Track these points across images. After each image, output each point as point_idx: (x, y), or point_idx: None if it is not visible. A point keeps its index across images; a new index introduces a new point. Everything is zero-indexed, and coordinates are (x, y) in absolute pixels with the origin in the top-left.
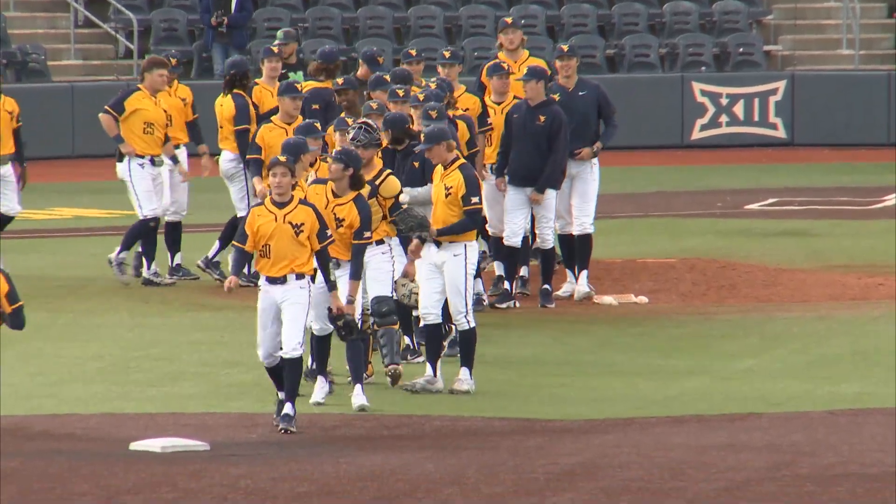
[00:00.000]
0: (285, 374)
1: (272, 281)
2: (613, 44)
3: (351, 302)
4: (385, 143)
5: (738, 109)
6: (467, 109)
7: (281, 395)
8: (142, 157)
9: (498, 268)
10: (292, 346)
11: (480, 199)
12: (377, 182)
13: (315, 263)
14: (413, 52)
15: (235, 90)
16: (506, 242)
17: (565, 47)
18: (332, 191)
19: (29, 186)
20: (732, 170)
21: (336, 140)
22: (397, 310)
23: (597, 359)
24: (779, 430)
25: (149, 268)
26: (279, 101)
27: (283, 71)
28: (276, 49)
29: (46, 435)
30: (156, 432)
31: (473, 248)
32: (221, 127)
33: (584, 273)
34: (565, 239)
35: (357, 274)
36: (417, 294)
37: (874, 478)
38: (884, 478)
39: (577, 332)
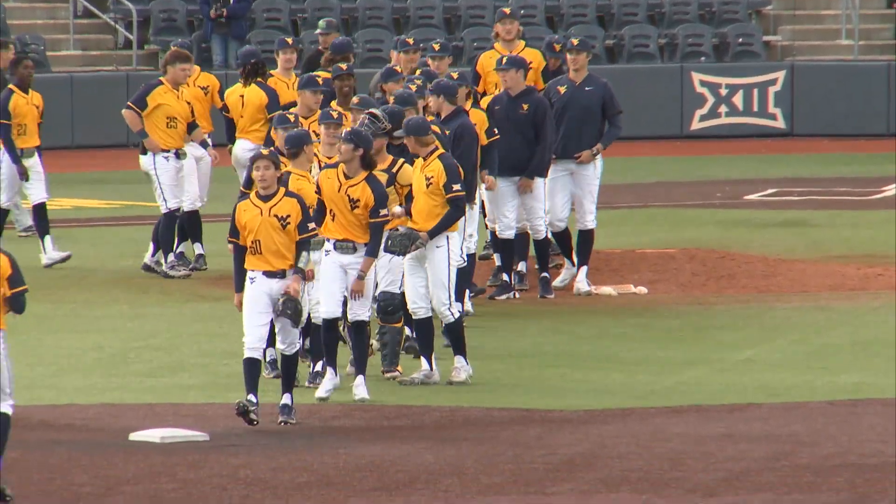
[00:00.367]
0: (282, 367)
1: (270, 275)
2: (613, 34)
3: (361, 278)
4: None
5: (738, 100)
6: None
7: (251, 396)
8: (166, 150)
9: (498, 258)
10: (290, 341)
11: (462, 187)
12: (393, 170)
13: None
14: (410, 41)
15: (258, 79)
16: (499, 235)
17: (576, 41)
18: (344, 173)
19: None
20: (732, 160)
21: (321, 132)
22: (403, 307)
23: (596, 349)
24: (778, 421)
25: (153, 255)
26: (299, 94)
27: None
28: (290, 40)
29: (46, 425)
30: (155, 423)
31: (455, 239)
32: (242, 117)
33: (584, 269)
34: (559, 235)
35: (374, 251)
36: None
37: (873, 468)
38: (883, 468)
39: (576, 322)
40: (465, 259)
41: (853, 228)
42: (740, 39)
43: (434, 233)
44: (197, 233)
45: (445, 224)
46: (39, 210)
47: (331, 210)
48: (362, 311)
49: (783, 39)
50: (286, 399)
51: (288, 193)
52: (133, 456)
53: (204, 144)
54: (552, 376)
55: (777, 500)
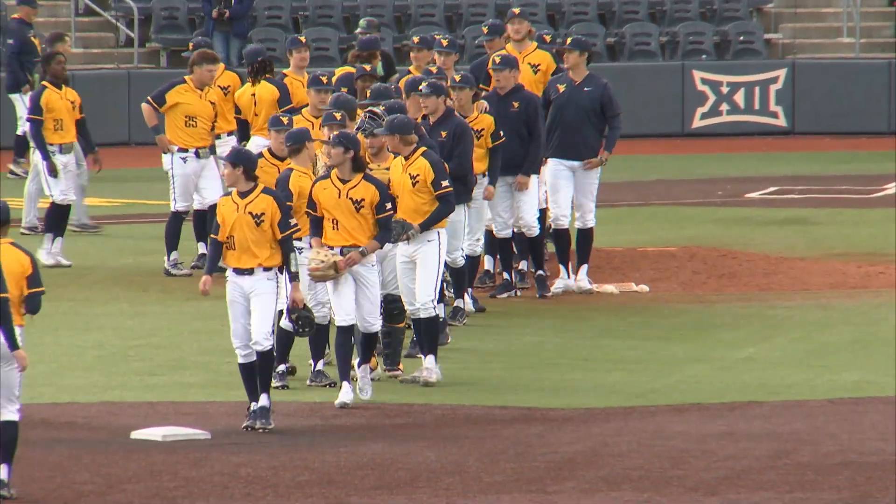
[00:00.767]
0: (257, 366)
1: (239, 272)
2: (614, 32)
3: (364, 254)
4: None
5: (739, 98)
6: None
7: (254, 405)
8: (185, 150)
9: (487, 262)
10: (262, 336)
11: (450, 182)
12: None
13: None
14: (416, 40)
15: (266, 76)
16: (497, 235)
17: (568, 39)
18: (339, 178)
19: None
20: (733, 158)
21: (324, 133)
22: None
23: (597, 347)
24: (779, 419)
25: (169, 258)
26: (307, 93)
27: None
28: (303, 39)
29: (46, 424)
30: (156, 421)
31: (445, 235)
32: (256, 115)
33: (585, 267)
34: (559, 234)
35: (383, 241)
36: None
37: (874, 466)
38: (884, 466)
39: (578, 320)
40: (465, 258)
41: (854, 226)
42: (741, 37)
43: (426, 226)
44: (205, 232)
45: (437, 218)
46: (59, 210)
47: (332, 219)
48: (374, 320)
49: (784, 37)
50: (263, 399)
51: (265, 190)
52: (134, 454)
53: (213, 149)
54: (553, 375)
55: (778, 498)
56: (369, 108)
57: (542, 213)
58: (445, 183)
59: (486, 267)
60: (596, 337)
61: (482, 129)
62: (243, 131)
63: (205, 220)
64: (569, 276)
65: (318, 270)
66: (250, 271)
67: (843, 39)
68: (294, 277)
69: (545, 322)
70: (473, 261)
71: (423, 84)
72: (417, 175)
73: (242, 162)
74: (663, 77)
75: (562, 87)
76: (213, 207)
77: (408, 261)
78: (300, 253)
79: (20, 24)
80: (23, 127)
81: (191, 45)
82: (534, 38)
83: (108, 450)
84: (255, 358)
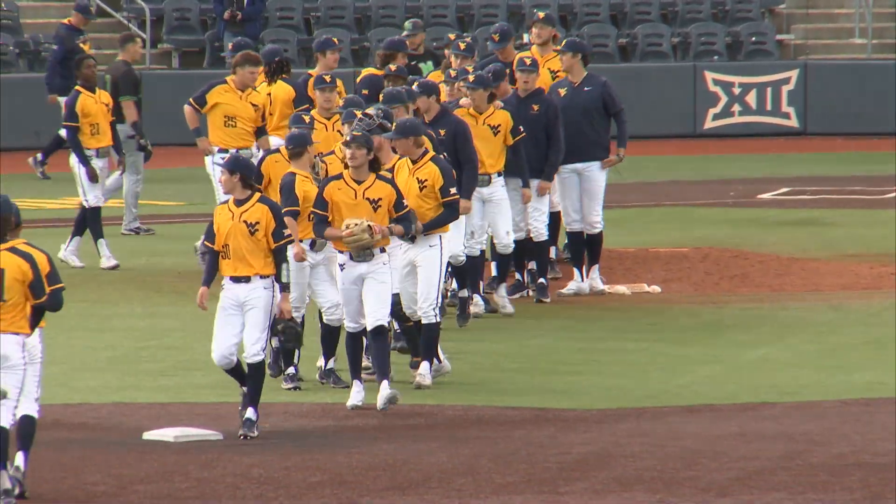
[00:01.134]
0: (248, 379)
1: (236, 280)
2: (626, 33)
3: (389, 233)
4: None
5: (751, 99)
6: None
7: (244, 388)
8: (226, 150)
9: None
10: (255, 350)
11: (457, 190)
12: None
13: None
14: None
15: (283, 75)
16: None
17: (563, 42)
18: (353, 178)
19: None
20: (745, 159)
21: (344, 131)
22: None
23: (609, 348)
24: (791, 420)
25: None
26: (312, 94)
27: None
28: (336, 40)
29: (59, 424)
30: (168, 422)
31: (448, 239)
32: (271, 114)
33: (596, 267)
34: (574, 236)
35: (408, 232)
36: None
37: (886, 467)
38: None
39: (589, 321)
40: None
41: (866, 227)
42: (753, 38)
43: (428, 227)
44: None
45: (441, 222)
46: (90, 213)
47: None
48: (382, 316)
49: (796, 38)
50: (250, 413)
51: (261, 199)
52: (146, 455)
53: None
54: (565, 376)
55: (790, 499)
56: (364, 112)
57: (552, 218)
58: (453, 190)
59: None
60: (608, 338)
61: (498, 125)
62: (257, 131)
63: None
64: (582, 279)
65: (353, 235)
66: (247, 279)
67: (856, 40)
68: (284, 288)
69: (557, 323)
70: (477, 258)
71: (415, 84)
72: (426, 180)
73: (240, 169)
74: (675, 78)
75: (563, 91)
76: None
77: (408, 265)
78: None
79: (69, 30)
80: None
81: (231, 45)
82: (558, 42)
83: (119, 450)
84: (234, 366)
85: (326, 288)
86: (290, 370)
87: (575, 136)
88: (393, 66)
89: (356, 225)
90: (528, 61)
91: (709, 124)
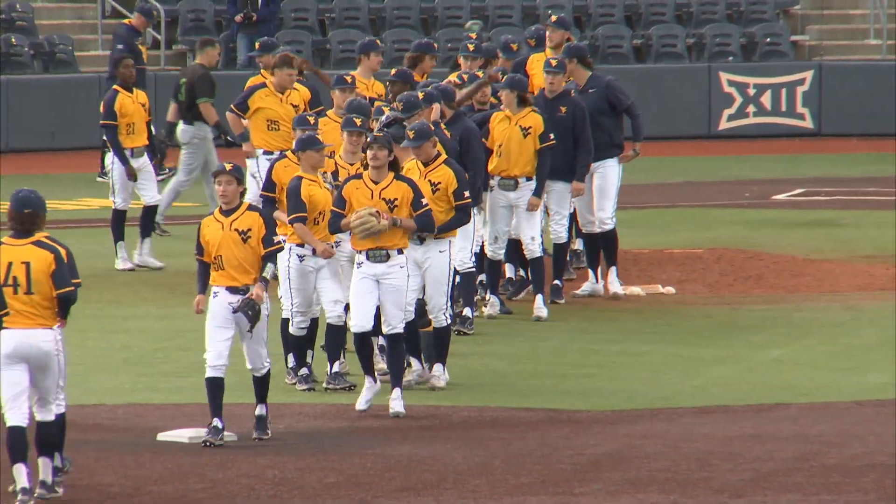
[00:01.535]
0: (255, 386)
1: (233, 291)
2: (640, 34)
3: (396, 223)
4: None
5: (766, 100)
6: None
7: (216, 421)
8: (270, 152)
9: (509, 270)
10: (259, 364)
11: (470, 193)
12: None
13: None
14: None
15: (299, 78)
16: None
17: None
18: (372, 180)
19: (56, 177)
20: (760, 160)
21: (343, 138)
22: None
23: (623, 349)
24: (806, 421)
25: None
26: (332, 94)
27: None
28: (379, 42)
29: (74, 425)
30: (183, 423)
31: (455, 244)
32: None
33: (613, 270)
34: (590, 238)
35: (428, 228)
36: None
37: None
38: None
39: (603, 322)
40: (474, 264)
41: (881, 228)
42: (768, 39)
43: (440, 230)
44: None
45: (453, 226)
46: (150, 212)
47: None
48: (397, 322)
49: (811, 39)
50: (260, 409)
51: (251, 208)
52: (161, 456)
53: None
54: (579, 376)
55: (804, 500)
56: (396, 117)
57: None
58: (467, 194)
59: (508, 275)
60: (622, 339)
61: (529, 128)
62: None
63: None
64: (596, 280)
65: (361, 217)
66: (245, 290)
67: (870, 41)
68: (262, 280)
69: (571, 324)
70: (562, 246)
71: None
72: (439, 183)
73: (242, 180)
74: (690, 79)
75: (572, 94)
76: None
77: (413, 267)
78: (301, 261)
79: (129, 31)
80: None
81: (257, 44)
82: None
83: (134, 451)
84: (222, 374)
85: (328, 285)
86: (304, 371)
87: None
88: (393, 70)
89: (365, 210)
90: (553, 62)
91: (723, 125)
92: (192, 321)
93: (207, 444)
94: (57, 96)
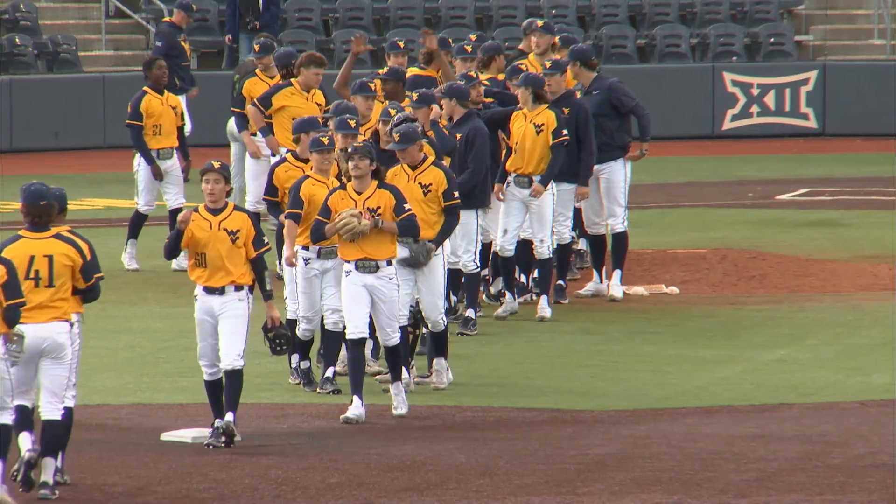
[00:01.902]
0: (226, 386)
1: (210, 291)
2: (644, 34)
3: (377, 225)
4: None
5: (770, 100)
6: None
7: (219, 422)
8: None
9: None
10: (232, 357)
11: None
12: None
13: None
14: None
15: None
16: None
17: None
18: (355, 190)
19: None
20: (763, 160)
21: (337, 140)
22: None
23: (627, 349)
24: (809, 421)
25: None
26: (353, 99)
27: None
28: (401, 44)
29: (77, 425)
30: (186, 423)
31: (460, 246)
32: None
33: (618, 273)
34: (594, 239)
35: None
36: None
37: None
38: None
39: (607, 322)
40: (479, 265)
41: (885, 228)
42: (772, 39)
43: (439, 242)
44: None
45: (448, 232)
46: (172, 214)
47: None
48: (392, 332)
49: (815, 39)
50: (229, 416)
51: (237, 208)
52: (164, 456)
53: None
54: (583, 377)
55: (808, 500)
56: (407, 117)
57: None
58: (456, 194)
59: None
60: (625, 339)
61: (542, 125)
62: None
63: None
64: (601, 280)
65: (342, 218)
66: (221, 290)
67: (874, 41)
68: (269, 296)
69: (575, 324)
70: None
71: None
72: (430, 185)
73: (229, 178)
74: (694, 79)
75: (578, 95)
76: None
77: (407, 271)
78: (306, 263)
79: (170, 28)
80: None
81: (257, 46)
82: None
83: (138, 451)
84: (220, 376)
85: (330, 292)
86: (305, 364)
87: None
88: (382, 70)
89: (347, 211)
90: (548, 63)
91: (727, 125)
92: (195, 321)
93: (210, 445)
94: (61, 96)
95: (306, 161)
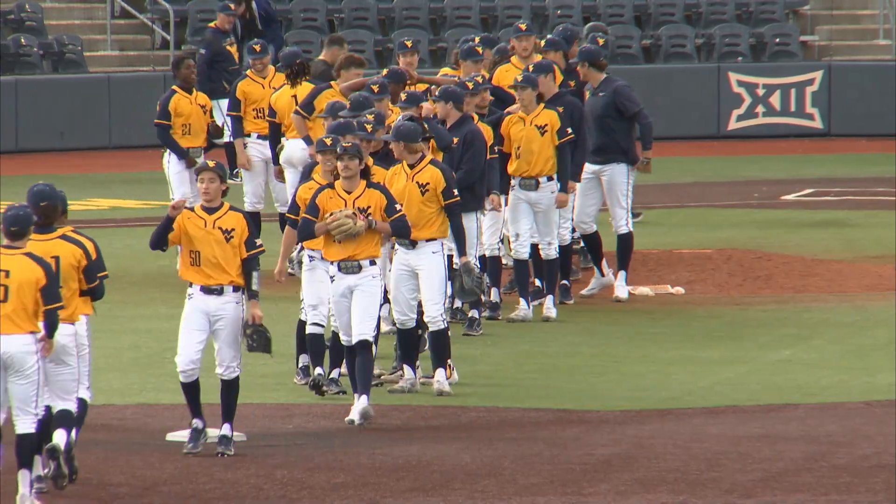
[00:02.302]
0: (222, 395)
1: (207, 291)
2: (650, 34)
3: (371, 225)
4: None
5: (775, 100)
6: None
7: (196, 421)
8: None
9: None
10: (229, 366)
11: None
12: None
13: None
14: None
15: (306, 78)
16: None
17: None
18: (344, 189)
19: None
20: (769, 160)
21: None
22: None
23: (632, 349)
24: (815, 421)
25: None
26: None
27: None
28: (409, 43)
29: (83, 425)
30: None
31: (447, 245)
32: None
33: (622, 274)
34: (587, 238)
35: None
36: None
37: None
38: None
39: (613, 322)
40: (480, 267)
41: (890, 229)
42: (777, 39)
43: (461, 249)
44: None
45: (462, 235)
46: None
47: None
48: (367, 329)
49: (820, 39)
50: (225, 429)
51: (232, 208)
52: (170, 456)
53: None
54: (588, 377)
55: (814, 500)
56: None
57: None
58: (455, 192)
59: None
60: (631, 339)
61: (545, 125)
62: (275, 135)
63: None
64: (603, 275)
65: (336, 220)
66: (220, 290)
67: (880, 41)
68: (254, 296)
69: (580, 324)
70: (494, 260)
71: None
72: (427, 183)
73: (224, 178)
74: (699, 79)
75: (587, 94)
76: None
77: (408, 270)
78: (311, 260)
79: (215, 33)
80: (228, 135)
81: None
82: (539, 50)
83: (143, 451)
84: (197, 377)
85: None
86: (335, 373)
87: (591, 140)
88: (385, 70)
89: (341, 212)
90: (532, 67)
91: (732, 125)
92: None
93: (189, 452)
94: (66, 96)
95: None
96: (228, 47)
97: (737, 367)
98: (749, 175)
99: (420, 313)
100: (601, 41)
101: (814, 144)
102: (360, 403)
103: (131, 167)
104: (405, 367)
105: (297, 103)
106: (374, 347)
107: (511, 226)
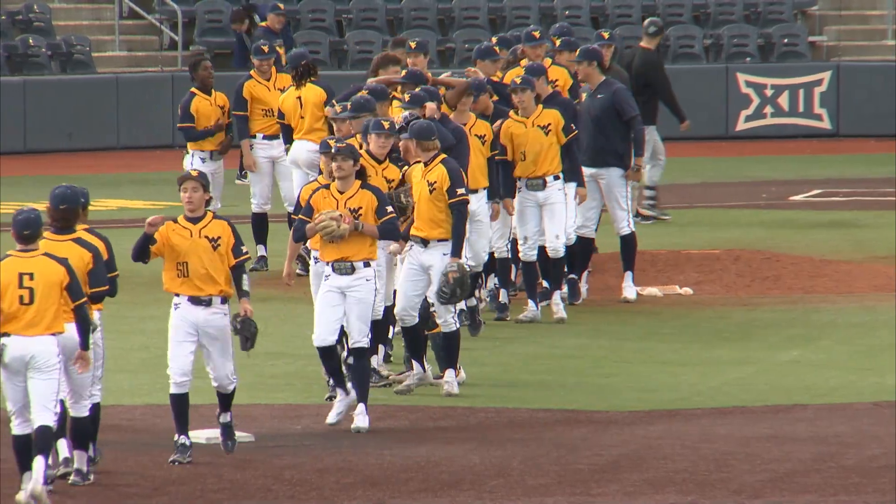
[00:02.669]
0: (220, 398)
1: (195, 301)
2: None
3: (357, 228)
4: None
5: (783, 100)
6: (556, 81)
7: (182, 438)
8: None
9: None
10: (228, 381)
11: (466, 190)
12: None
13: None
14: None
15: (311, 79)
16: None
17: (557, 41)
18: (338, 190)
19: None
20: (777, 161)
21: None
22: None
23: (641, 350)
24: (823, 422)
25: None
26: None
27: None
28: (413, 44)
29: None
30: (201, 424)
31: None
32: (302, 118)
33: (629, 275)
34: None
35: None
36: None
37: None
38: None
39: (621, 323)
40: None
41: None
42: (786, 40)
43: (456, 251)
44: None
45: (459, 236)
46: None
47: None
48: (361, 336)
49: (829, 40)
50: (225, 418)
51: (216, 216)
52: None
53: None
54: (597, 377)
55: (822, 501)
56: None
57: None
58: (461, 191)
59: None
60: (639, 339)
61: (548, 125)
62: (286, 136)
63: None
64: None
65: (321, 222)
66: (208, 301)
67: (888, 42)
68: (245, 294)
69: (588, 325)
70: (501, 260)
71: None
72: (435, 182)
73: (207, 187)
74: (707, 80)
75: (583, 96)
76: None
77: (419, 269)
78: (315, 263)
79: (266, 34)
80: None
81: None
82: (549, 54)
83: (152, 452)
84: (188, 389)
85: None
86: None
87: (589, 143)
88: (404, 71)
89: (326, 213)
90: (518, 80)
91: (741, 126)
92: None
93: (175, 462)
94: (74, 97)
95: (380, 161)
96: (278, 49)
97: (745, 368)
98: (757, 175)
99: (424, 313)
100: (606, 35)
101: (822, 145)
102: (358, 415)
103: (139, 168)
104: (414, 362)
105: (301, 105)
106: (383, 349)
107: (519, 229)
